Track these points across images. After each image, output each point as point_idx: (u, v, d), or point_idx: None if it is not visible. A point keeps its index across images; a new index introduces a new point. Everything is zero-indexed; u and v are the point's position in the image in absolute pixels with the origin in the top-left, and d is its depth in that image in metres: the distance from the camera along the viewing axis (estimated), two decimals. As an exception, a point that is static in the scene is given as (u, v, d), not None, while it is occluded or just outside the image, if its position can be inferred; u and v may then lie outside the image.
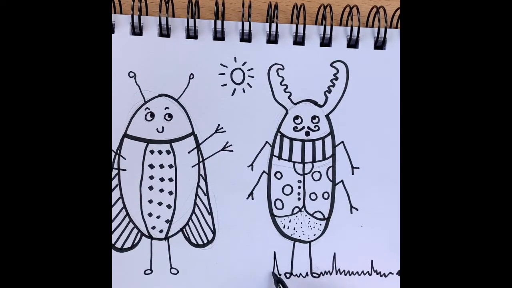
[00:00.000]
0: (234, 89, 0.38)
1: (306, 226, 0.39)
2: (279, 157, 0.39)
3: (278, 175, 0.39)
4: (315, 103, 0.39)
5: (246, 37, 0.38)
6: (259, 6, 0.40)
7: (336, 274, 0.39)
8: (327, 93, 0.39)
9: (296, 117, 0.39)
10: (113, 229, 0.37)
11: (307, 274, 0.39)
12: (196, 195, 0.38)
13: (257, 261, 0.38)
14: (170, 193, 0.38)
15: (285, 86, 0.38)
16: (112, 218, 0.37)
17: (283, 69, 0.38)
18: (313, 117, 0.39)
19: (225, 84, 0.38)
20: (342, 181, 0.39)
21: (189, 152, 0.38)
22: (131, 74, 0.38)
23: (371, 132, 0.39)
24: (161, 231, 0.38)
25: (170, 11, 0.39)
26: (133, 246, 0.38)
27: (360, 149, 0.39)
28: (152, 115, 0.38)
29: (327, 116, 0.39)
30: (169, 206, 0.38)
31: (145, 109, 0.38)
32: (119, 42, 0.37)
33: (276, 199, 0.38)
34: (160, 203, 0.38)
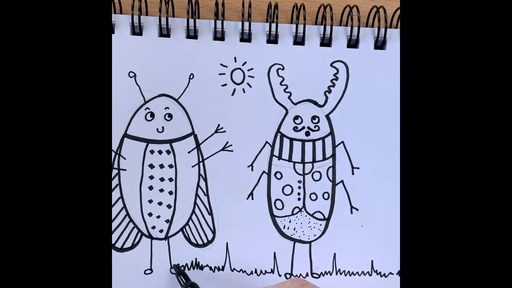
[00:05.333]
0: (234, 89, 0.38)
1: (306, 227, 0.38)
2: (279, 157, 0.39)
3: (278, 175, 0.38)
4: (315, 103, 0.39)
5: (246, 37, 0.38)
6: (259, 6, 0.40)
7: (336, 274, 0.39)
8: (327, 93, 0.39)
9: (296, 117, 0.39)
10: (113, 229, 0.37)
11: (307, 275, 0.39)
12: (196, 195, 0.38)
13: (257, 261, 0.38)
14: (170, 193, 0.38)
15: (285, 86, 0.38)
16: (112, 218, 0.37)
17: (283, 69, 0.38)
18: (313, 117, 0.39)
19: (225, 84, 0.38)
20: (342, 181, 0.39)
21: (189, 152, 0.38)
22: (131, 74, 0.38)
23: (371, 132, 0.39)
24: (161, 231, 0.38)
25: (170, 11, 0.39)
26: (133, 246, 0.38)
27: (360, 149, 0.39)
28: (152, 115, 0.38)
29: (327, 116, 0.39)
30: (169, 206, 0.38)
31: (145, 109, 0.38)
32: (119, 42, 0.37)
33: (276, 199, 0.38)
34: (160, 203, 0.38)
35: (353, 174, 0.39)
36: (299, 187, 0.39)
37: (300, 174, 0.39)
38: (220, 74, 0.38)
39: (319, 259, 0.39)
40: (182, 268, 0.37)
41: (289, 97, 0.39)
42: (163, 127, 0.38)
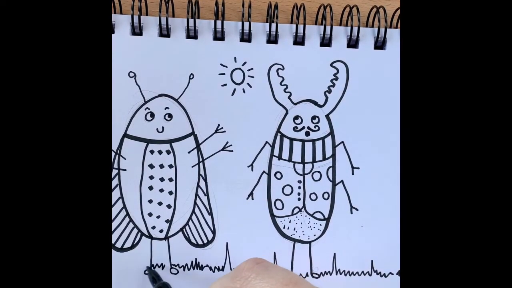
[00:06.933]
0: (234, 89, 0.38)
1: (306, 227, 0.38)
2: (279, 157, 0.39)
3: (278, 175, 0.39)
4: (315, 103, 0.39)
5: (246, 37, 0.38)
6: (259, 6, 0.40)
7: (336, 274, 0.39)
8: (327, 93, 0.39)
9: (296, 117, 0.39)
10: (113, 229, 0.37)
11: (307, 275, 0.39)
12: (196, 195, 0.38)
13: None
14: (170, 193, 0.38)
15: (285, 86, 0.38)
16: (112, 218, 0.37)
17: (283, 69, 0.38)
18: (313, 117, 0.39)
19: (225, 84, 0.38)
20: (342, 181, 0.39)
21: (189, 152, 0.38)
22: (131, 74, 0.38)
23: (371, 132, 0.39)
24: (161, 231, 0.38)
25: (170, 11, 0.39)
26: (133, 246, 0.38)
27: (360, 149, 0.39)
28: (152, 115, 0.38)
29: (327, 116, 0.39)
30: (169, 206, 0.38)
31: (145, 109, 0.38)
32: (119, 42, 0.37)
33: (276, 199, 0.38)
34: (160, 203, 0.38)
35: (353, 174, 0.39)
36: (299, 187, 0.39)
37: (300, 174, 0.39)
38: (220, 74, 0.38)
39: (319, 259, 0.39)
40: (177, 267, 0.37)
41: (289, 97, 0.39)
42: (163, 127, 0.38)
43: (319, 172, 0.39)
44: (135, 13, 0.37)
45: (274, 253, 0.38)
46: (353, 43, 0.39)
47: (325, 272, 0.39)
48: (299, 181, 0.39)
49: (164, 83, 0.38)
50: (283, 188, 0.39)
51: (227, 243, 0.38)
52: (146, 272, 0.37)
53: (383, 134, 0.39)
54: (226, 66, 0.38)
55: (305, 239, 0.39)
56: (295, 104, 0.39)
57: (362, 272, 0.39)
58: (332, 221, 0.39)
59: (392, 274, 0.39)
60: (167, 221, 0.38)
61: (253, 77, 0.38)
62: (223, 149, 0.38)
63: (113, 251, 0.37)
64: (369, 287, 0.38)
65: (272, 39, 0.38)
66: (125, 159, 0.37)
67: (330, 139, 0.39)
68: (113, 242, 0.37)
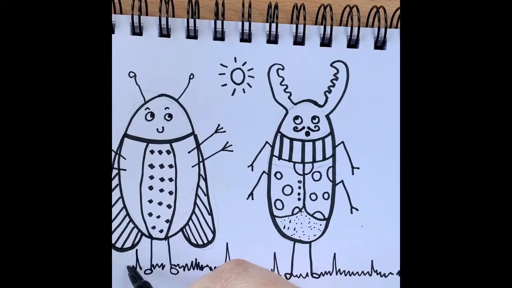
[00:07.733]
0: (234, 89, 0.38)
1: (306, 227, 0.38)
2: (279, 157, 0.39)
3: (278, 175, 0.39)
4: (315, 103, 0.39)
5: (246, 37, 0.38)
6: (259, 6, 0.40)
7: (336, 274, 0.39)
8: (327, 93, 0.39)
9: (296, 117, 0.39)
10: (113, 229, 0.37)
11: (307, 275, 0.39)
12: (196, 195, 0.38)
13: (257, 261, 0.38)
14: (170, 193, 0.38)
15: (285, 86, 0.39)
16: (112, 218, 0.37)
17: (283, 69, 0.38)
18: (313, 117, 0.39)
19: (225, 84, 0.38)
20: (342, 181, 0.39)
21: (189, 152, 0.38)
22: (131, 74, 0.38)
23: (371, 132, 0.39)
24: (161, 231, 0.38)
25: (170, 11, 0.39)
26: (133, 246, 0.38)
27: (360, 149, 0.39)
28: (152, 115, 0.38)
29: (327, 116, 0.39)
30: (169, 206, 0.38)
31: (145, 109, 0.38)
32: (119, 42, 0.37)
33: (276, 200, 0.38)
34: (160, 203, 0.38)
35: (353, 174, 0.39)
36: (299, 187, 0.39)
37: (300, 174, 0.39)
38: (220, 74, 0.38)
39: (319, 259, 0.39)
40: (177, 266, 0.37)
41: (289, 97, 0.39)
42: (163, 127, 0.38)
43: (319, 172, 0.39)
44: (135, 13, 0.37)
45: (274, 253, 0.38)
46: (353, 43, 0.39)
47: (325, 272, 0.39)
48: (299, 181, 0.39)
49: (164, 83, 0.38)
50: (283, 188, 0.39)
51: (227, 243, 0.38)
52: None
53: (383, 134, 0.39)
54: (226, 66, 0.38)
55: (305, 239, 0.39)
56: (295, 104, 0.39)
57: (362, 272, 0.39)
58: (332, 221, 0.39)
59: (392, 274, 0.39)
60: (167, 221, 0.38)
61: (253, 77, 0.38)
62: (223, 149, 0.38)
63: (113, 251, 0.37)
64: (369, 287, 0.39)
65: (272, 39, 0.38)
66: (125, 159, 0.38)
67: (330, 139, 0.39)
68: (113, 242, 0.37)
